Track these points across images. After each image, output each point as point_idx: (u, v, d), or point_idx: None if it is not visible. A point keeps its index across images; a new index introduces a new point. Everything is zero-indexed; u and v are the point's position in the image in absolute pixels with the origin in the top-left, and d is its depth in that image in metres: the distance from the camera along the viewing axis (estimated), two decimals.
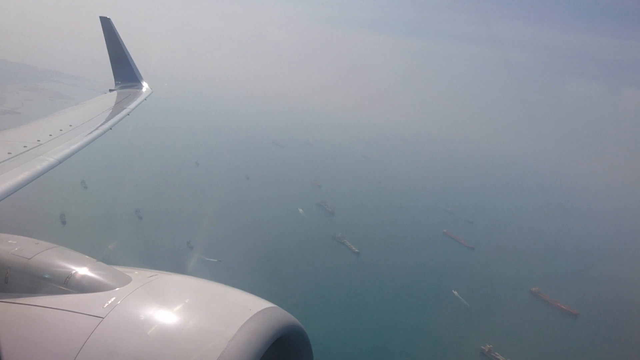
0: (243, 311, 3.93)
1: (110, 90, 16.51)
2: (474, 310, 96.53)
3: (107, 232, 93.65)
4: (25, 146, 8.42)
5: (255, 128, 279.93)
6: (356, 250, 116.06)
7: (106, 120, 12.05)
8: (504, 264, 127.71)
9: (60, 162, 8.44)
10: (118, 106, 14.11)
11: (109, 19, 16.67)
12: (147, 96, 16.40)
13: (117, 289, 4.15)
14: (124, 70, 17.65)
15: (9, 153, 7.79)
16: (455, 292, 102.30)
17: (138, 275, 4.46)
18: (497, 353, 78.48)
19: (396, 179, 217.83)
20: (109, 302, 3.95)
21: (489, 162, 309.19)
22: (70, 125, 10.49)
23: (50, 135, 9.41)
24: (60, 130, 9.99)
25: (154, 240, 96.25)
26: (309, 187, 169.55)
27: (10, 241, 4.79)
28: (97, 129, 10.98)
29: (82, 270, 4.34)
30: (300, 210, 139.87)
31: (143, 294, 4.12)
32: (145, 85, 17.51)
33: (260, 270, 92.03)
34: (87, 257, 4.68)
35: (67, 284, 4.19)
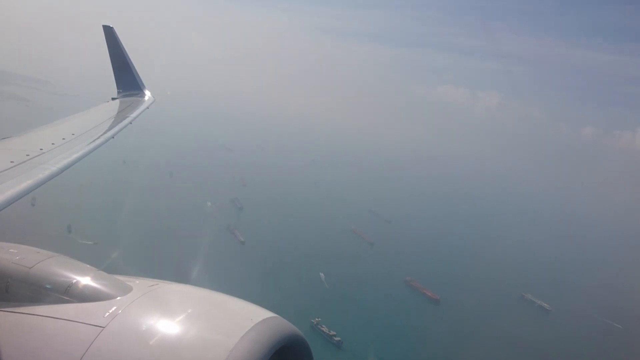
0: (244, 321, 3.98)
1: (113, 99, 16.62)
2: (331, 291, 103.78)
3: None
4: (27, 155, 8.46)
5: (210, 131, 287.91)
6: (242, 239, 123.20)
7: (109, 129, 12.28)
8: (394, 257, 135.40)
9: (63, 170, 8.46)
10: (120, 115, 14.27)
11: (111, 27, 16.89)
12: (149, 104, 16.49)
13: (118, 298, 4.19)
14: (127, 79, 17.71)
15: (11, 162, 7.85)
16: (321, 275, 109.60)
17: (139, 284, 4.52)
18: (323, 326, 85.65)
19: (336, 182, 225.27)
20: (110, 311, 3.98)
21: (434, 171, 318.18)
22: (73, 134, 10.60)
23: (53, 143, 9.50)
24: (63, 138, 10.09)
25: (35, 225, 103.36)
26: (233, 186, 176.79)
27: (11, 250, 4.82)
28: (99, 137, 11.14)
29: (83, 280, 4.39)
30: (209, 203, 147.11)
31: (144, 304, 4.17)
32: (147, 94, 17.62)
33: (133, 253, 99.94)
34: (88, 266, 4.73)
35: (67, 293, 4.22)
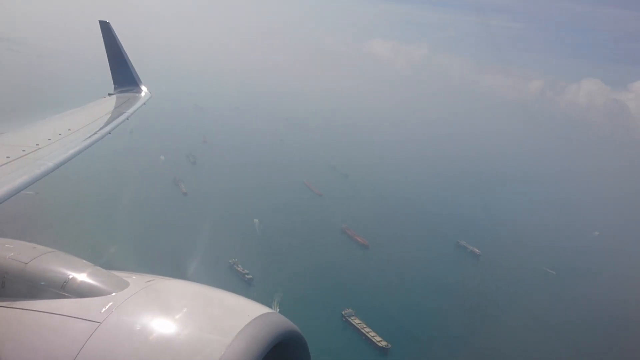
0: (241, 317, 4.02)
1: (109, 95, 16.64)
2: (261, 236, 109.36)
3: None
4: (24, 150, 8.47)
5: (187, 94, 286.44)
6: (185, 191, 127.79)
7: (105, 125, 12.38)
8: (338, 208, 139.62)
9: (59, 166, 8.58)
10: (117, 111, 14.42)
11: (108, 23, 16.75)
12: (146, 100, 16.57)
13: (115, 294, 4.22)
14: (123, 75, 17.67)
15: (7, 157, 7.88)
16: (255, 221, 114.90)
17: (136, 280, 4.57)
18: (239, 266, 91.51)
19: (305, 139, 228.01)
20: (107, 307, 4.01)
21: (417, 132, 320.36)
22: (69, 130, 10.63)
23: (49, 139, 9.53)
24: (59, 134, 10.12)
25: None
26: (194, 142, 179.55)
27: (7, 245, 4.84)
28: (95, 133, 11.24)
29: (80, 275, 4.41)
30: (162, 157, 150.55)
31: (140, 299, 4.21)
32: (144, 90, 17.66)
33: (73, 199, 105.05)
34: (84, 261, 4.79)
35: (64, 289, 4.26)
